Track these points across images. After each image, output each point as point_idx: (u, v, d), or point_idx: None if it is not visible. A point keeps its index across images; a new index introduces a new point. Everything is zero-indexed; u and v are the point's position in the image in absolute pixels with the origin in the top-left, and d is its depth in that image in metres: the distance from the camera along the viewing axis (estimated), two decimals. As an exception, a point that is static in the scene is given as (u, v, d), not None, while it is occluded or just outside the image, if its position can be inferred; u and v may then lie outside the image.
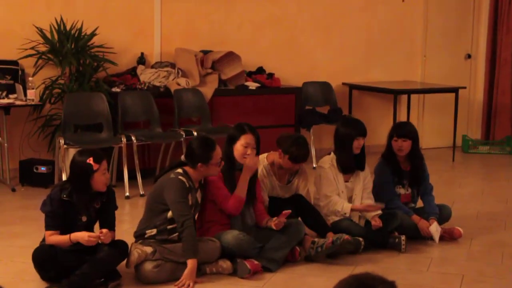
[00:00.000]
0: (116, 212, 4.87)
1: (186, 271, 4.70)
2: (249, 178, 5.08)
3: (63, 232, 4.58)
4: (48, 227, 4.62)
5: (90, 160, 4.58)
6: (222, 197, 5.03)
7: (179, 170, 4.87)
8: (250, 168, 5.06)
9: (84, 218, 4.65)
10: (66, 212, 4.58)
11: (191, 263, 4.71)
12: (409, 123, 6.17)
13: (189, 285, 4.67)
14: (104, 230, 4.55)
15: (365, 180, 5.69)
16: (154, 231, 4.84)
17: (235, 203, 5.02)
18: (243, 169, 5.06)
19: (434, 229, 5.71)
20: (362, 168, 5.67)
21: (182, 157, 5.01)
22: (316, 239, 5.25)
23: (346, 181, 5.64)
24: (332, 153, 5.66)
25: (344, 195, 5.60)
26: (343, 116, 8.72)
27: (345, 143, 5.56)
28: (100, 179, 4.62)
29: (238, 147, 5.09)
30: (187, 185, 4.82)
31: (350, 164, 5.59)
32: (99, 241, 4.53)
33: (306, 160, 5.46)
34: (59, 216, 4.57)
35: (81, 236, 4.52)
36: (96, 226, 4.81)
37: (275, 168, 5.50)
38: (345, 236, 5.22)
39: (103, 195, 4.73)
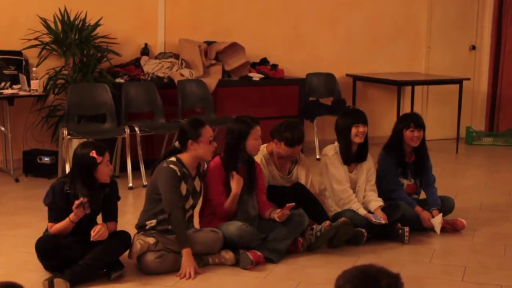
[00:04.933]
0: (119, 203, 4.88)
1: (182, 261, 4.71)
2: (246, 173, 5.08)
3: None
4: (50, 219, 4.63)
5: (93, 153, 4.58)
6: (216, 201, 5.05)
7: (173, 159, 4.87)
8: (239, 185, 5.04)
9: (87, 210, 4.65)
10: (69, 204, 4.57)
11: (185, 253, 4.72)
12: (418, 113, 6.16)
13: (190, 274, 4.68)
14: (97, 228, 4.53)
15: (368, 172, 5.68)
16: (154, 222, 4.84)
17: (224, 214, 5.06)
18: (232, 186, 5.03)
19: (437, 221, 5.70)
20: (364, 159, 5.65)
21: (176, 143, 5.01)
22: (314, 226, 5.26)
23: (350, 172, 5.63)
24: (336, 142, 5.65)
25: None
26: (346, 107, 8.71)
27: (344, 132, 5.56)
28: (104, 171, 4.63)
29: (251, 143, 5.08)
30: (179, 174, 4.81)
31: (350, 154, 5.58)
32: (94, 240, 4.51)
33: (302, 142, 5.44)
34: (61, 209, 4.58)
35: (74, 208, 4.49)
36: (99, 217, 4.82)
37: (275, 158, 5.50)
38: (342, 219, 5.24)
39: (106, 187, 4.72)
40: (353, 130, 5.52)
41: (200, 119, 5.07)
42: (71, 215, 4.54)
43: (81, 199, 4.50)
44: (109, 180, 4.70)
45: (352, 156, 5.61)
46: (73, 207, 4.48)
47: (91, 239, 4.51)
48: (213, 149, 4.93)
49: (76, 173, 4.64)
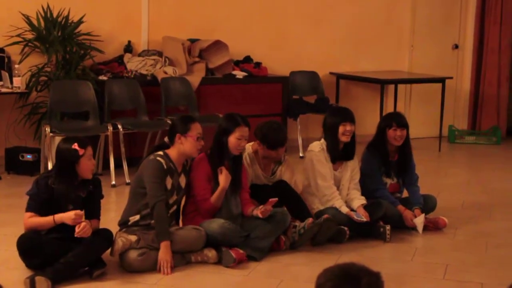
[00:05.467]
0: (102, 200, 4.86)
1: (159, 254, 4.71)
2: (231, 171, 5.08)
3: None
4: (28, 208, 4.60)
5: (75, 146, 4.57)
6: (201, 196, 5.04)
7: (160, 152, 4.89)
8: (227, 180, 5.03)
9: (70, 207, 4.62)
10: (52, 200, 4.56)
11: (163, 245, 4.71)
12: (401, 113, 6.19)
13: (167, 265, 4.68)
14: (82, 224, 4.52)
15: (353, 171, 5.69)
16: (137, 217, 4.85)
17: (209, 209, 5.06)
18: (220, 181, 5.03)
19: (419, 221, 5.72)
20: (350, 157, 5.67)
21: (165, 138, 5.02)
22: (297, 223, 5.27)
23: (335, 170, 5.64)
24: (322, 139, 5.66)
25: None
26: (330, 106, 8.72)
27: (332, 130, 5.57)
28: (86, 165, 4.61)
29: (233, 140, 5.07)
30: (165, 167, 4.82)
31: (336, 152, 5.59)
32: (78, 236, 4.50)
33: (284, 145, 5.45)
34: (42, 201, 4.56)
35: (67, 216, 4.50)
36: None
37: (259, 157, 5.50)
38: (325, 216, 5.26)
39: (89, 184, 4.71)
40: (341, 129, 5.54)
41: (191, 116, 5.10)
42: (57, 217, 4.51)
43: (78, 227, 4.47)
44: (91, 176, 4.68)
45: (338, 154, 5.62)
46: (77, 213, 4.48)
47: (75, 235, 4.48)
48: (200, 147, 4.94)
49: (57, 168, 4.63)
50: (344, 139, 5.56)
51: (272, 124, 5.51)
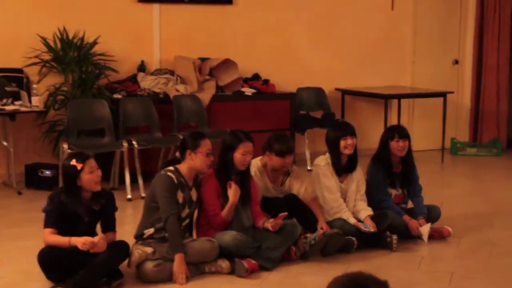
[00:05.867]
0: (118, 214, 4.88)
1: (174, 266, 4.72)
2: (239, 185, 5.09)
3: (66, 233, 4.57)
4: (46, 224, 4.61)
5: (73, 162, 4.58)
6: (212, 212, 5.06)
7: (171, 168, 4.91)
8: (236, 194, 5.04)
9: (86, 219, 4.65)
10: (67, 213, 4.57)
11: (177, 257, 4.72)
12: (403, 125, 6.21)
13: (181, 278, 4.68)
14: (96, 239, 4.53)
15: (358, 182, 5.70)
16: (152, 230, 4.85)
17: (220, 224, 5.06)
18: (229, 196, 5.03)
19: (425, 230, 5.71)
20: (353, 169, 5.67)
21: (177, 153, 5.04)
22: (308, 235, 5.28)
23: (340, 182, 5.65)
24: (327, 153, 5.67)
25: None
26: (336, 120, 8.74)
27: (334, 144, 5.59)
28: (88, 178, 4.58)
29: (238, 156, 5.08)
30: (176, 182, 4.83)
31: (339, 165, 5.60)
32: (93, 252, 4.50)
33: (292, 153, 5.47)
34: (57, 216, 4.57)
35: (78, 240, 4.50)
36: (98, 228, 4.82)
37: (268, 170, 5.51)
38: (335, 230, 5.28)
39: (102, 197, 4.71)
40: (342, 143, 5.55)
41: (201, 132, 5.11)
42: (73, 240, 4.51)
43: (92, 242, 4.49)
44: (98, 188, 4.66)
45: (342, 167, 5.63)
46: (85, 243, 4.47)
47: (91, 251, 4.50)
48: (209, 162, 4.95)
49: (64, 183, 4.66)
50: (347, 152, 5.58)
51: (279, 135, 5.59)
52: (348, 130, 5.62)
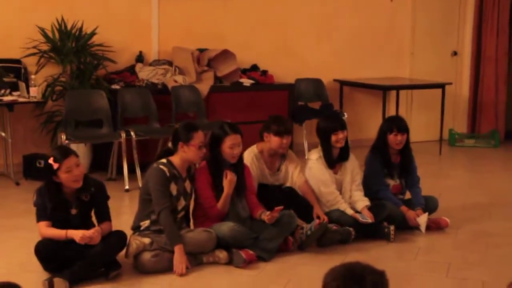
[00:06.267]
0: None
1: (174, 258, 4.71)
2: (234, 184, 5.06)
3: (57, 225, 4.56)
4: (39, 218, 4.59)
5: (51, 160, 4.52)
6: (207, 204, 5.05)
7: (163, 160, 4.87)
8: (231, 185, 5.03)
9: (73, 211, 4.61)
10: (56, 206, 4.56)
11: (177, 249, 4.72)
12: (402, 117, 6.19)
13: (182, 269, 4.68)
14: (92, 231, 4.51)
15: (353, 172, 5.68)
16: (147, 222, 4.84)
17: (216, 216, 5.05)
18: (224, 186, 5.03)
19: (422, 220, 5.71)
20: (346, 158, 5.65)
21: (169, 144, 5.01)
22: (304, 225, 5.27)
23: (335, 174, 5.63)
24: (319, 146, 5.66)
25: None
26: (332, 112, 8.73)
27: (324, 138, 5.58)
28: (65, 177, 4.50)
29: (226, 150, 5.06)
30: (168, 174, 4.81)
31: (331, 157, 5.58)
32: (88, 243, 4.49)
33: (291, 132, 5.49)
34: (47, 209, 4.55)
35: (75, 234, 4.49)
36: (93, 219, 4.81)
37: (265, 155, 5.51)
38: (333, 227, 5.29)
39: (90, 186, 4.65)
40: (333, 138, 5.54)
41: (194, 123, 5.07)
42: (69, 233, 4.49)
43: (91, 233, 4.48)
44: (78, 185, 4.55)
45: (334, 159, 5.62)
46: (83, 236, 4.46)
47: (85, 243, 4.49)
48: (202, 155, 4.93)
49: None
50: (338, 145, 5.58)
51: (276, 115, 5.64)
52: (338, 124, 5.60)
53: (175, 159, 4.91)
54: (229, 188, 5.02)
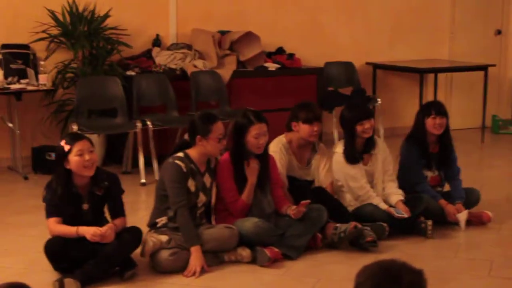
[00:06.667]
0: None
1: (190, 259, 4.71)
2: (258, 173, 5.06)
3: (68, 221, 4.58)
4: (49, 214, 4.61)
5: (62, 142, 4.56)
6: (230, 198, 5.05)
7: (180, 154, 4.86)
8: (253, 173, 5.04)
9: (85, 206, 4.64)
10: (68, 201, 4.58)
11: (194, 250, 4.72)
12: (440, 101, 6.15)
13: (196, 272, 4.68)
14: (104, 229, 4.52)
15: (384, 161, 5.64)
16: (165, 219, 4.85)
17: (241, 209, 5.05)
18: (247, 175, 5.04)
19: (463, 217, 5.66)
20: (372, 147, 5.60)
21: (185, 136, 5.01)
22: (338, 225, 5.22)
23: (365, 165, 5.60)
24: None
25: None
26: (367, 97, 8.69)
27: (349, 129, 5.55)
28: (75, 161, 4.52)
29: (251, 140, 5.04)
30: (185, 170, 4.80)
31: (354, 150, 5.53)
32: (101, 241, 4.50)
33: (321, 119, 5.44)
34: (58, 204, 4.57)
35: (86, 231, 4.51)
36: (107, 215, 4.83)
37: (294, 147, 5.49)
38: (370, 235, 5.21)
39: (104, 180, 4.69)
40: (359, 128, 5.50)
41: (212, 113, 5.03)
42: (80, 229, 4.51)
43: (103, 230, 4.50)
44: (90, 173, 4.59)
45: (357, 152, 5.56)
46: (94, 234, 4.48)
47: (99, 241, 4.50)
48: (222, 147, 4.92)
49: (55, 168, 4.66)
50: (366, 136, 5.54)
51: (303, 102, 5.61)
52: (364, 114, 5.55)
53: (193, 152, 4.90)
54: (253, 177, 5.02)
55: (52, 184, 4.62)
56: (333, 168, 5.63)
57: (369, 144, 5.61)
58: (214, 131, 4.85)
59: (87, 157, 4.55)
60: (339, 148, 5.61)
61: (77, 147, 4.53)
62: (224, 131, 4.95)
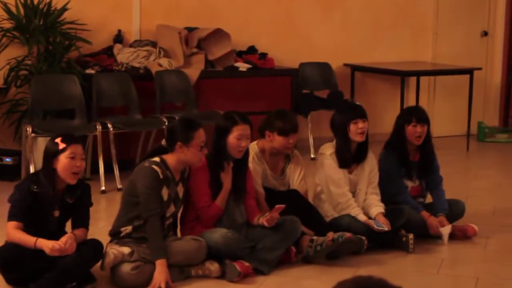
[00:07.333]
0: (91, 208, 4.87)
1: (155, 274, 4.70)
2: (234, 179, 5.10)
3: (33, 228, 4.57)
4: (11, 217, 4.59)
5: (58, 139, 4.59)
6: (203, 203, 5.06)
7: (156, 159, 4.86)
8: (229, 184, 5.08)
9: (56, 213, 4.65)
10: (36, 206, 4.57)
11: (159, 264, 4.72)
12: (422, 107, 6.20)
13: (159, 287, 4.67)
14: (64, 240, 4.51)
15: (371, 173, 5.67)
16: (129, 228, 4.84)
17: (214, 215, 5.07)
18: (222, 181, 5.06)
19: (446, 231, 5.69)
20: (363, 158, 5.65)
21: (163, 141, 5.02)
22: (314, 237, 5.25)
23: (349, 173, 5.63)
24: (334, 140, 5.66)
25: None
26: (344, 101, 8.73)
27: (341, 130, 5.56)
28: (65, 163, 4.56)
29: (232, 140, 5.07)
30: (161, 176, 4.81)
31: (348, 154, 5.57)
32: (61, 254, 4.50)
33: (297, 131, 5.45)
34: (25, 208, 4.56)
35: (45, 244, 4.49)
36: (68, 224, 4.81)
37: (267, 155, 5.51)
38: (347, 234, 5.24)
39: (76, 189, 4.71)
40: (352, 127, 5.52)
41: (194, 120, 5.05)
42: (39, 242, 4.49)
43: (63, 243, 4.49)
44: (73, 180, 4.63)
45: (350, 157, 5.60)
46: (53, 248, 4.46)
47: (57, 254, 4.49)
48: (203, 156, 4.93)
49: (42, 168, 4.66)
50: (359, 138, 5.55)
51: (280, 110, 5.61)
52: (359, 112, 5.60)
53: (170, 159, 4.90)
54: (229, 183, 5.04)
55: (24, 186, 4.61)
56: (315, 172, 5.66)
57: (362, 152, 5.63)
58: (196, 138, 4.86)
59: (78, 163, 4.61)
60: (327, 150, 5.61)
61: (71, 149, 4.58)
62: (206, 139, 4.96)
